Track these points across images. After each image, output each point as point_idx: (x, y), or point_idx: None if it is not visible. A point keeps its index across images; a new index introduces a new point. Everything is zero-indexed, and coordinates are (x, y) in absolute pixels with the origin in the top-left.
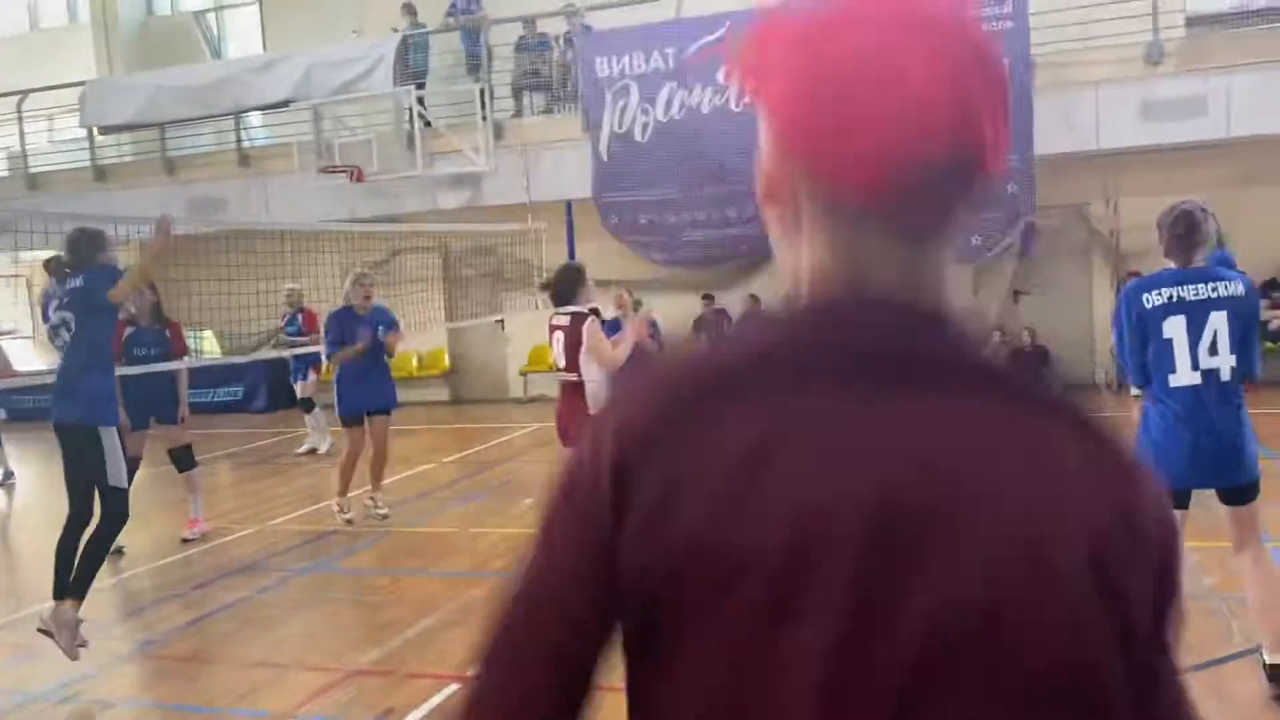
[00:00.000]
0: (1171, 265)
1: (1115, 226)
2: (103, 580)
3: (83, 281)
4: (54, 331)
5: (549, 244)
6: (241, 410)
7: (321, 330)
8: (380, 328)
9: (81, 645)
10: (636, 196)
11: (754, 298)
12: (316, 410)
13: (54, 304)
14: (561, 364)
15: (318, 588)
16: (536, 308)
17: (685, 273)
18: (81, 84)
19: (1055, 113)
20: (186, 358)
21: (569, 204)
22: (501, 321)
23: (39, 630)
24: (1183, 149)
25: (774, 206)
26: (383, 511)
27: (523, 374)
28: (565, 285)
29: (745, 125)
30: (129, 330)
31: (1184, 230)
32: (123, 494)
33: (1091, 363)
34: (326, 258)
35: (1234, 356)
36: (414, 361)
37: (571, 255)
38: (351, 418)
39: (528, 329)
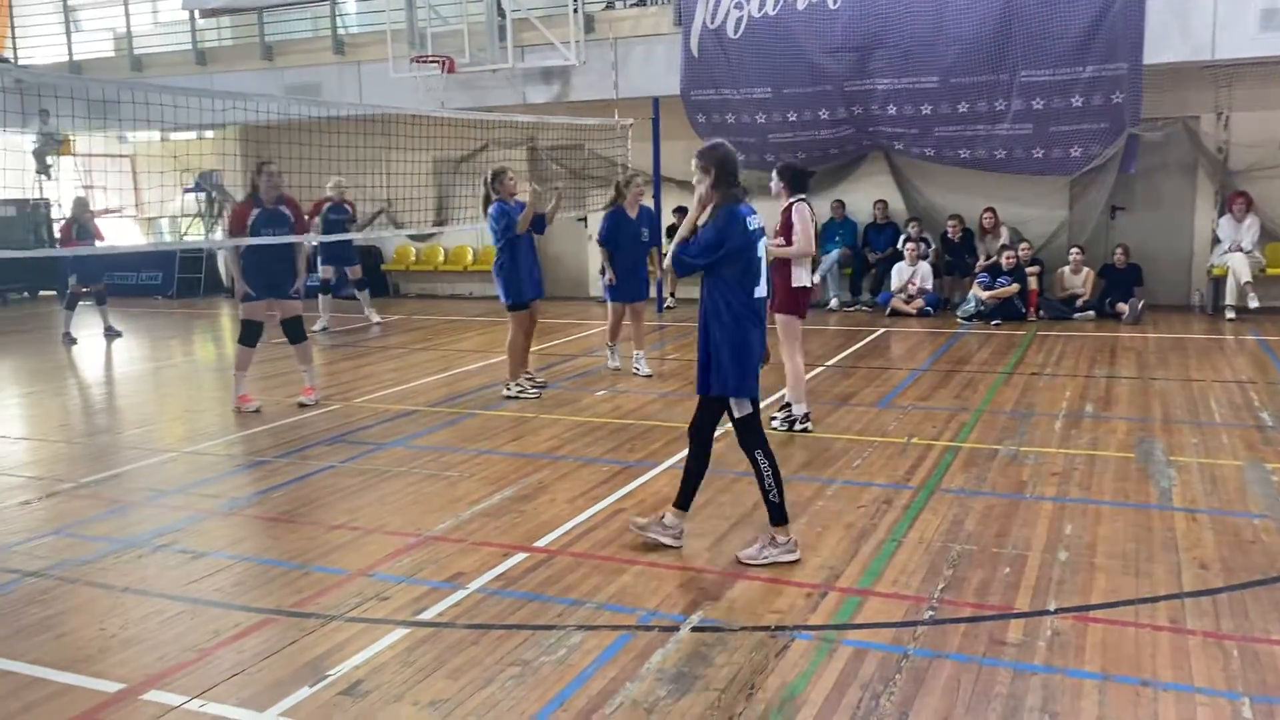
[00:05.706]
0: None
1: (1224, 142)
2: (190, 445)
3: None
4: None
5: (635, 142)
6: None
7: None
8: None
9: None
10: (725, 95)
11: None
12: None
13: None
14: None
15: (397, 462)
16: None
17: (768, 177)
18: None
19: (1169, 19)
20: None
21: (656, 101)
22: (585, 219)
23: None
24: None
25: None
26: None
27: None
28: None
29: (840, 23)
30: (255, 212)
31: None
32: None
33: (1187, 284)
34: (419, 143)
35: None
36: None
37: (657, 154)
38: (520, 305)
39: None
